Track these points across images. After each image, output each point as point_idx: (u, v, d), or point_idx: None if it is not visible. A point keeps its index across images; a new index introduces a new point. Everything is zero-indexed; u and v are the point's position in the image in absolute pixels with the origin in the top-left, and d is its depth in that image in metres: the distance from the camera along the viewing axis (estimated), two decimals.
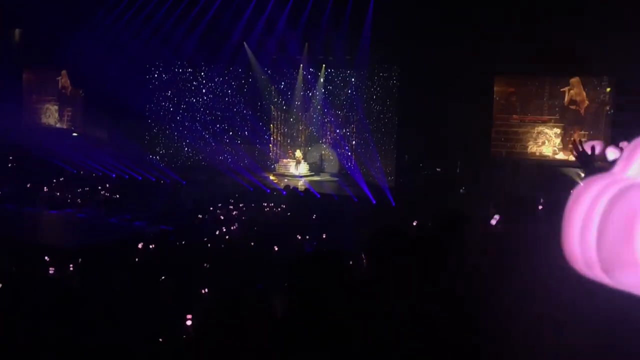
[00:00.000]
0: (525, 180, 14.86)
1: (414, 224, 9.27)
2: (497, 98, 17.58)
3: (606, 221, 1.14)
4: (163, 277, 8.47)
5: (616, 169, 1.25)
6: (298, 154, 21.11)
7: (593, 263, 1.17)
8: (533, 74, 17.05)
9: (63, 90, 22.79)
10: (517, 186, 13.88)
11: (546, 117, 17.14)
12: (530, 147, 17.27)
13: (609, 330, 1.98)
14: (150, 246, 11.48)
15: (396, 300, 2.65)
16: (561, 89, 16.87)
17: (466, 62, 15.54)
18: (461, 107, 15.82)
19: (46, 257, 10.02)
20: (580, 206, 1.19)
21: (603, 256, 1.15)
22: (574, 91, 16.69)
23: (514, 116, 17.46)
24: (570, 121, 16.81)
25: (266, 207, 15.88)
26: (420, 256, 2.95)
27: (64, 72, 22.59)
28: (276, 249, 11.13)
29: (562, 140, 16.85)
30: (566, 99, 16.78)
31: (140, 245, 11.34)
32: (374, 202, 16.46)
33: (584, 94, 16.62)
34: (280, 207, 15.76)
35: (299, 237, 12.40)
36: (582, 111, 16.64)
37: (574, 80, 16.67)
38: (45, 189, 18.29)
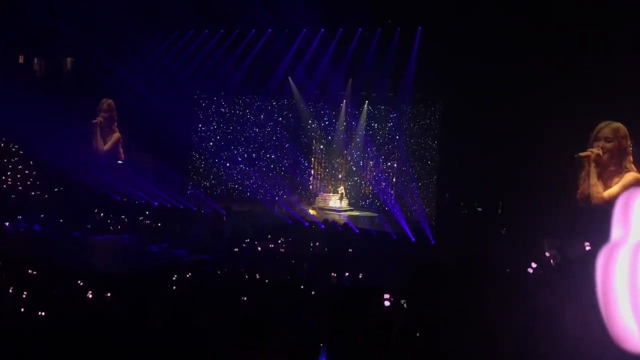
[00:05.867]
0: (566, 223, 14.42)
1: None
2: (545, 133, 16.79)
3: None
4: (199, 306, 8.47)
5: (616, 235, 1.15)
6: (341, 188, 21.15)
7: None
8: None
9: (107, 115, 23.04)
10: (559, 229, 13.51)
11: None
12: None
13: None
14: (188, 275, 11.56)
15: (434, 338, 2.61)
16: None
17: (510, 101, 15.39)
18: (505, 145, 15.63)
19: (85, 282, 10.16)
20: (616, 281, 1.09)
21: None
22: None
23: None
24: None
25: (304, 240, 15.86)
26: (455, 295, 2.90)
27: (110, 102, 22.87)
28: (312, 281, 11.05)
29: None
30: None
31: (177, 274, 11.43)
32: (413, 239, 16.27)
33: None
34: (318, 241, 15.72)
35: (334, 275, 12.30)
36: None
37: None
38: (89, 215, 18.67)
